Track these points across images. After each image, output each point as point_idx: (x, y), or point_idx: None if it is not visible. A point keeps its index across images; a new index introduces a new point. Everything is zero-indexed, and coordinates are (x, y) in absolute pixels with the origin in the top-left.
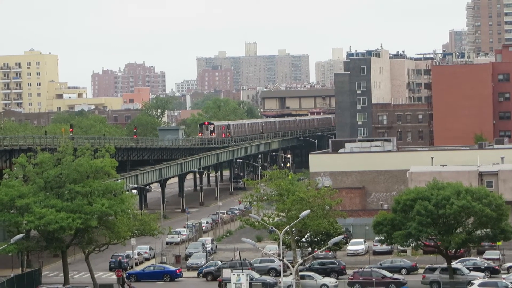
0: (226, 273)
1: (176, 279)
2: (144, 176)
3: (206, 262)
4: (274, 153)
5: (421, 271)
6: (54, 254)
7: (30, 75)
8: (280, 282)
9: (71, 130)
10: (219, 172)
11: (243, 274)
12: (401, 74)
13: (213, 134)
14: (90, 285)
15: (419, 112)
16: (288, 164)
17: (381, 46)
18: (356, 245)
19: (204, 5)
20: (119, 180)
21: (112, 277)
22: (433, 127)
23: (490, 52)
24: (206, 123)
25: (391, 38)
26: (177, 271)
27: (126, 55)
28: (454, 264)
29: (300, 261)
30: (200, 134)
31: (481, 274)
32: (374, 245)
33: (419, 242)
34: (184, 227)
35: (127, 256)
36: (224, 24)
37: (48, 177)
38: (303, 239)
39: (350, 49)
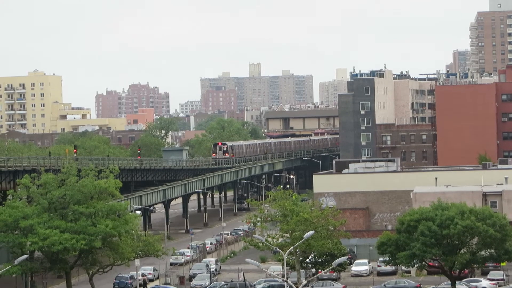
0: None
1: None
2: (148, 197)
3: (210, 283)
4: (278, 174)
5: None
6: (58, 275)
7: (34, 96)
8: None
9: (75, 151)
10: (223, 192)
11: None
12: (405, 94)
13: (226, 154)
14: None
15: (423, 132)
16: (288, 186)
17: (384, 67)
18: (360, 266)
19: (207, 25)
20: (123, 201)
21: None
22: (437, 148)
23: (493, 72)
24: (220, 143)
25: (395, 59)
26: None
27: (130, 75)
28: (458, 285)
29: (304, 282)
30: (214, 154)
31: None
32: (378, 266)
33: (423, 263)
34: (188, 248)
35: (131, 277)
36: (227, 44)
37: (52, 198)
38: (307, 260)
39: (354, 69)
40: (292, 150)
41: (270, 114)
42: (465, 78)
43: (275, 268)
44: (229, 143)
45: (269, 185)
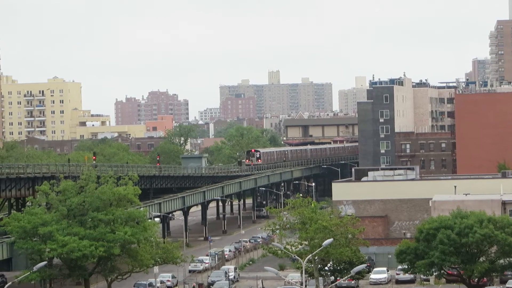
0: None
1: None
2: (167, 204)
3: None
4: (297, 181)
5: None
6: (77, 282)
7: (53, 102)
8: None
9: (94, 158)
10: (242, 200)
11: None
12: (424, 102)
13: (259, 160)
14: None
15: (442, 140)
16: (306, 193)
17: (404, 75)
18: (379, 274)
19: (227, 32)
20: (142, 208)
21: None
22: (456, 156)
23: None
24: (253, 150)
25: (414, 67)
26: None
27: (149, 82)
28: None
29: None
30: (247, 160)
31: None
32: (397, 274)
33: (442, 271)
34: (207, 255)
35: (150, 285)
36: (247, 52)
37: (71, 205)
38: (326, 268)
39: (373, 77)
40: (327, 156)
41: (289, 121)
42: (485, 86)
43: (293, 276)
44: (261, 150)
45: (288, 192)
